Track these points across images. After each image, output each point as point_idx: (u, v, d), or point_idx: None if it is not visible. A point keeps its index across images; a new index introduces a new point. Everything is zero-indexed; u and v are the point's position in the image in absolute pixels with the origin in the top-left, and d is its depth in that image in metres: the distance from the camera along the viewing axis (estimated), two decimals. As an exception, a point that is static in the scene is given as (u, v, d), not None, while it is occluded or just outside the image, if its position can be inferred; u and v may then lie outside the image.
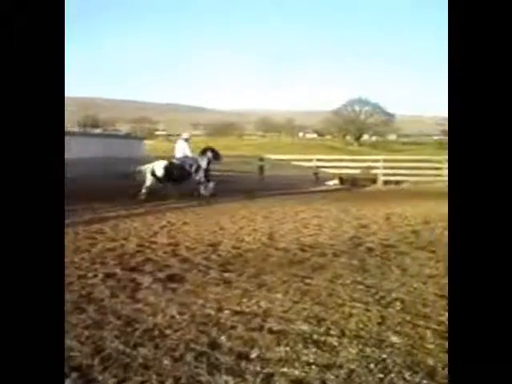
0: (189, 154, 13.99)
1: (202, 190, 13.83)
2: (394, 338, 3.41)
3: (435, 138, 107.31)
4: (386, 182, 19.46)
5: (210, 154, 14.17)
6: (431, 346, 3.27)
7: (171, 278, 5.02)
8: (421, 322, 3.74)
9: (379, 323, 3.74)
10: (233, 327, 3.69)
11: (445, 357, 3.07)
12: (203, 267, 5.44)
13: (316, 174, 20.09)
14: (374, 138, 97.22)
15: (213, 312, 4.02)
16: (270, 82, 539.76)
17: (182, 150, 14.05)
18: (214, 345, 3.35)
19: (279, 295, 4.51)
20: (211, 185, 14.00)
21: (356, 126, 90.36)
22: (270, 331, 3.61)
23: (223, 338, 3.48)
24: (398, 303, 4.24)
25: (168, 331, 3.57)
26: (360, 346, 3.29)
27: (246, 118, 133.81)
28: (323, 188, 17.92)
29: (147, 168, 13.27)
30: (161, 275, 5.10)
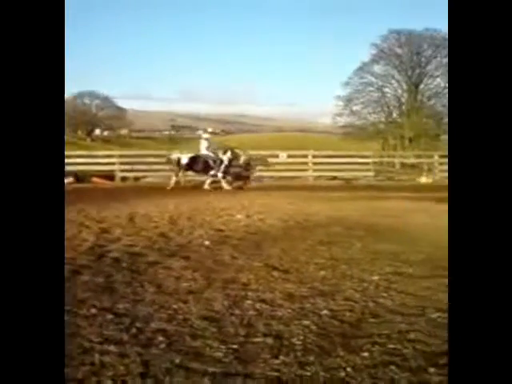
0: (210, 151, 16.65)
1: (224, 184, 16.19)
2: (166, 400, 2.55)
3: (166, 132, 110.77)
4: (123, 179, 18.56)
5: (229, 153, 16.81)
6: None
7: None
8: (194, 365, 2.96)
9: (142, 374, 2.84)
10: None
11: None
12: None
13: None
14: (106, 133, 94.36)
15: None
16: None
17: (204, 147, 16.76)
18: None
19: None
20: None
21: (87, 120, 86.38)
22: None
23: None
24: (160, 337, 3.40)
25: None
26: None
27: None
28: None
29: (175, 157, 16.54)
30: None
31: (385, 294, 4.34)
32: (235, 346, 3.23)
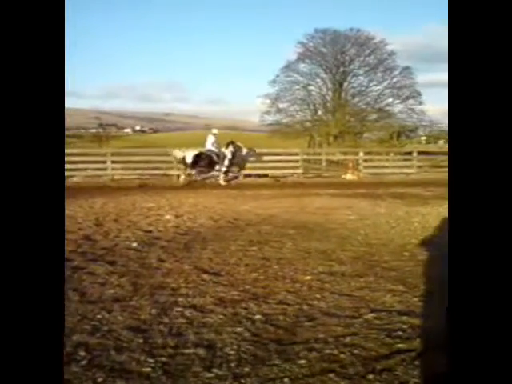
0: (216, 146, 17.19)
1: (221, 180, 17.02)
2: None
3: (92, 130, 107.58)
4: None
5: (231, 147, 17.43)
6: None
7: None
8: (119, 383, 2.73)
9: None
10: None
11: None
12: None
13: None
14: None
15: None
16: None
17: (210, 143, 17.24)
18: None
19: None
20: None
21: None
22: None
23: None
24: (82, 352, 3.13)
25: None
26: None
27: None
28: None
29: (180, 155, 16.81)
30: None
31: (318, 296, 4.27)
32: (164, 359, 3.02)
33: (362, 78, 44.61)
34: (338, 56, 43.80)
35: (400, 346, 3.16)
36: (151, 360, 3.01)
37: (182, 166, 16.99)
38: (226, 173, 17.32)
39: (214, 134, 17.73)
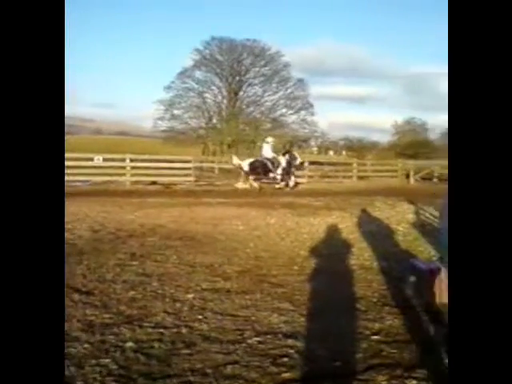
0: (270, 154, 18.30)
1: (290, 182, 18.41)
2: None
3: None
4: None
5: (287, 156, 18.54)
6: None
7: None
8: None
9: None
10: None
11: None
12: None
13: None
14: None
15: None
16: None
17: (266, 151, 18.42)
18: None
19: None
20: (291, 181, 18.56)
21: None
22: None
23: None
24: None
25: None
26: None
27: None
28: None
29: (240, 163, 18.28)
30: None
31: (200, 317, 3.89)
32: (7, 406, 2.50)
33: (257, 87, 45.38)
34: (234, 65, 44.15)
35: (285, 375, 2.88)
36: (-10, 407, 2.47)
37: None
38: (281, 180, 18.25)
39: (268, 143, 18.89)
